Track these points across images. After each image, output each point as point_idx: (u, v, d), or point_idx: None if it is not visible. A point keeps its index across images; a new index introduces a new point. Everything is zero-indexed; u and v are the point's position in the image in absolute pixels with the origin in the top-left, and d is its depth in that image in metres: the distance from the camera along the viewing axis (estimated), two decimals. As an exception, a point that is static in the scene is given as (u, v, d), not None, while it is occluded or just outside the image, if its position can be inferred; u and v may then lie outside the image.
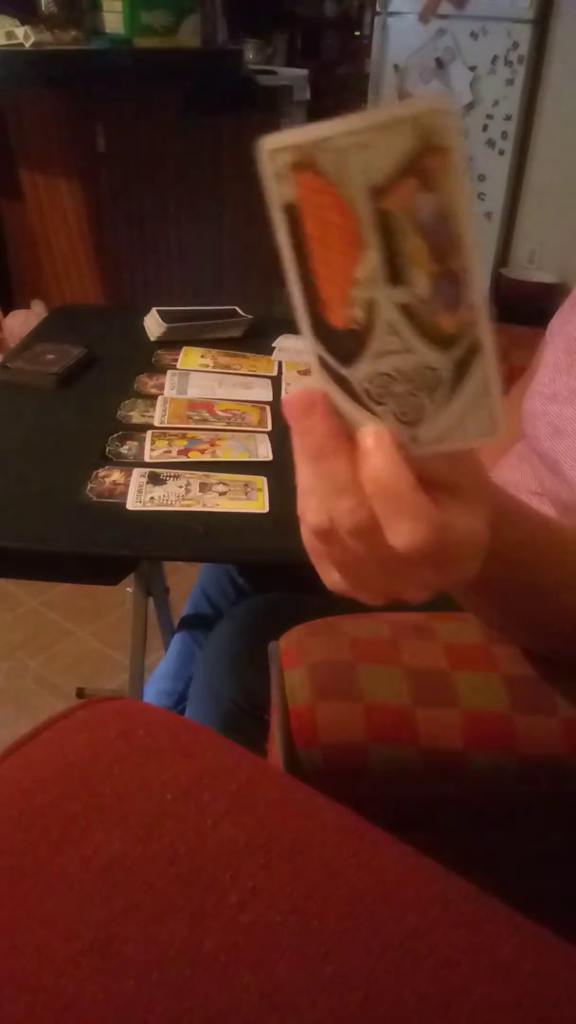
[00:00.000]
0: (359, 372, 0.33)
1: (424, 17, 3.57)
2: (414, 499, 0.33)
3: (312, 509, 0.36)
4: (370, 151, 0.27)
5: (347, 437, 0.34)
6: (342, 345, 0.33)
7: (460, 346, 0.31)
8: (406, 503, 0.33)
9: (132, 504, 0.80)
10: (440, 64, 3.61)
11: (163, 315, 1.21)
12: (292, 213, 0.30)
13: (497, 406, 0.32)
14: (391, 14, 3.67)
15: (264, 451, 0.91)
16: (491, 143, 3.62)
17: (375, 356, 0.32)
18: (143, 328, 1.23)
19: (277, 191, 0.30)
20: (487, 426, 0.33)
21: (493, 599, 0.52)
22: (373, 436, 0.34)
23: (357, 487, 0.34)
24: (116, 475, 0.85)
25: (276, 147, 0.29)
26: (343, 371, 0.33)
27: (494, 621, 0.58)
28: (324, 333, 0.33)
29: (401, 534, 0.33)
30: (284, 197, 0.30)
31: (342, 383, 0.34)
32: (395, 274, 0.30)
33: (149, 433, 0.94)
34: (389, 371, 0.33)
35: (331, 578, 0.39)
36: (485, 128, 3.61)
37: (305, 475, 0.37)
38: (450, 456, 0.35)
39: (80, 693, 1.55)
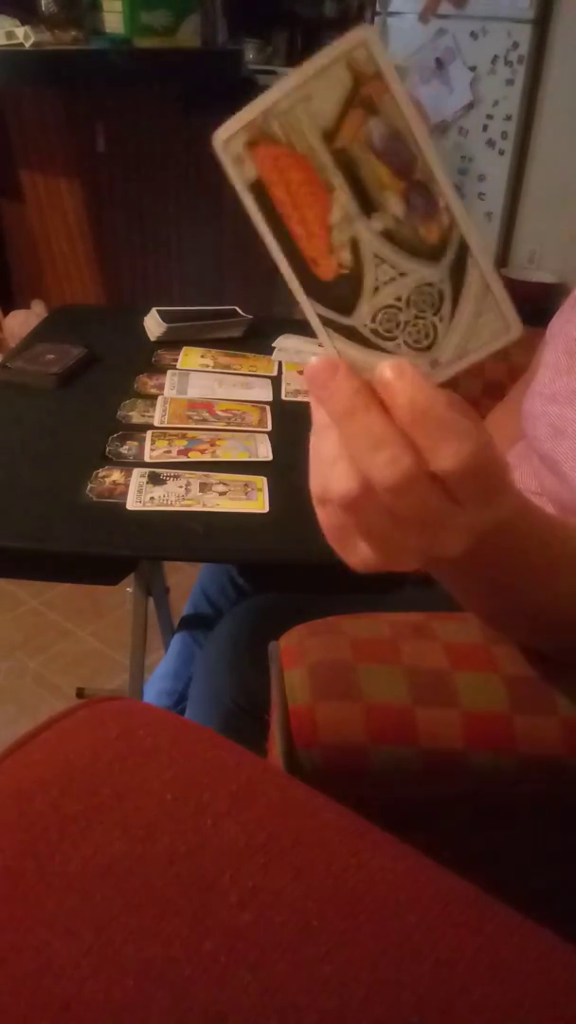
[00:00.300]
0: (362, 315, 0.33)
1: (424, 17, 3.57)
2: (454, 416, 0.33)
3: (340, 476, 0.35)
4: (312, 100, 0.29)
5: (373, 392, 0.34)
6: (338, 296, 0.33)
7: (449, 251, 0.32)
8: (448, 421, 0.33)
9: (132, 504, 0.80)
10: (440, 64, 3.61)
11: (163, 315, 1.21)
12: (258, 189, 0.31)
13: (505, 302, 0.32)
14: (391, 14, 3.67)
15: (264, 451, 0.91)
16: (491, 143, 3.62)
17: (372, 293, 0.33)
18: (143, 328, 1.23)
19: (240, 174, 0.31)
20: (501, 325, 0.33)
21: (494, 592, 0.52)
22: (391, 368, 0.33)
23: (394, 435, 0.33)
24: (116, 475, 0.85)
25: (229, 135, 0.30)
26: (346, 321, 0.33)
27: (496, 618, 0.58)
28: (318, 291, 0.33)
29: (449, 456, 0.33)
30: (248, 177, 0.31)
31: (349, 333, 0.34)
32: (368, 204, 0.31)
33: (149, 433, 0.94)
34: (391, 301, 0.33)
35: (360, 554, 0.38)
36: (485, 128, 3.61)
37: (329, 444, 0.36)
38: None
39: (80, 693, 1.55)
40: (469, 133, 3.68)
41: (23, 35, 2.13)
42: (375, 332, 0.34)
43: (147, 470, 0.86)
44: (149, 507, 0.80)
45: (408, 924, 0.37)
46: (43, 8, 2.24)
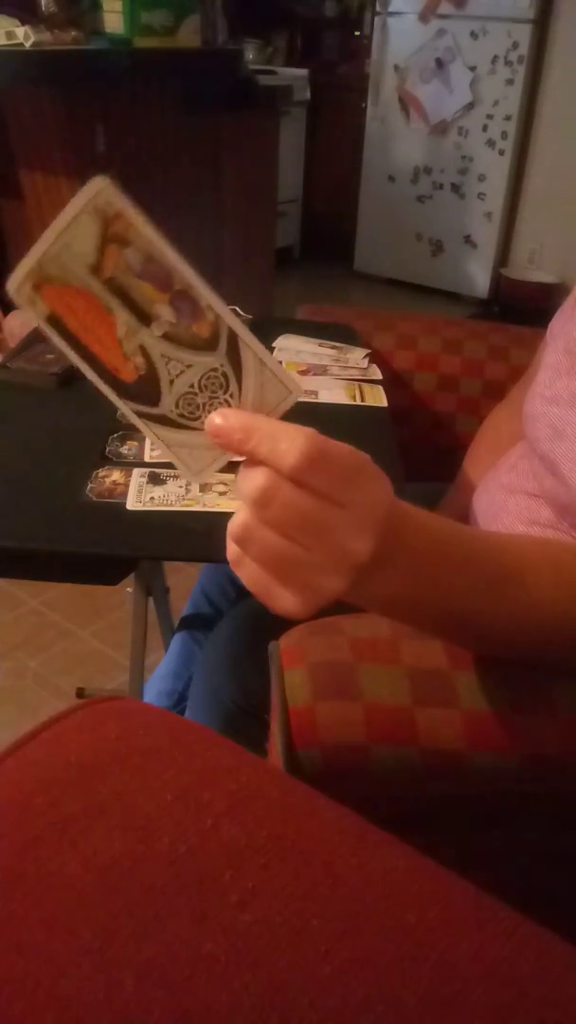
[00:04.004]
0: (167, 404, 0.40)
1: (424, 17, 3.57)
2: (276, 424, 0.38)
3: (232, 521, 0.40)
4: (74, 244, 0.35)
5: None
6: (143, 392, 0.39)
7: (222, 340, 0.38)
8: (274, 427, 0.38)
9: (132, 504, 0.80)
10: (440, 64, 3.62)
11: (163, 315, 1.21)
12: (54, 321, 0.37)
13: (280, 371, 0.39)
14: (391, 14, 3.68)
15: (264, 451, 0.91)
16: (491, 143, 3.63)
17: (169, 385, 0.39)
18: (143, 328, 1.23)
19: (36, 311, 0.37)
20: (282, 391, 0.40)
21: (427, 617, 0.51)
22: (217, 414, 0.39)
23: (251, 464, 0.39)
24: (116, 475, 0.85)
25: (17, 283, 0.37)
26: (156, 411, 0.40)
27: (462, 645, 0.57)
28: (127, 392, 0.39)
29: (286, 452, 0.37)
30: (43, 312, 0.37)
31: (161, 420, 0.40)
32: (144, 317, 0.37)
33: (149, 433, 0.94)
34: (187, 389, 0.39)
35: (280, 598, 0.41)
36: (485, 128, 3.62)
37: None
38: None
39: (80, 693, 1.55)
40: (469, 133, 3.68)
41: (23, 35, 2.13)
42: (182, 416, 0.40)
43: (147, 470, 0.86)
44: (149, 507, 0.80)
45: (408, 924, 0.37)
46: (43, 8, 2.24)
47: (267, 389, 0.39)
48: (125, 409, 0.40)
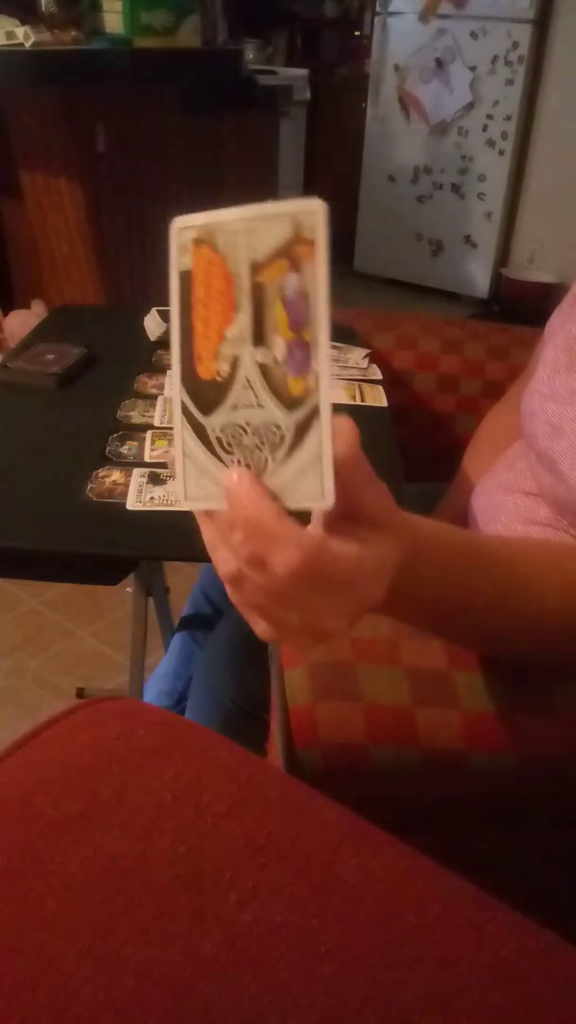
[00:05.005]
0: (215, 420, 0.37)
1: (424, 17, 3.56)
2: (280, 527, 0.35)
3: (220, 560, 0.40)
4: (255, 235, 0.34)
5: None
6: (205, 394, 0.37)
7: (303, 409, 0.35)
8: (273, 533, 0.35)
9: (132, 504, 0.80)
10: (440, 64, 3.62)
11: (163, 315, 1.21)
12: (186, 278, 0.36)
13: (327, 474, 0.35)
14: (391, 14, 3.67)
15: (264, 451, 0.91)
16: (491, 143, 3.63)
17: (231, 408, 0.37)
18: (143, 328, 1.23)
19: (178, 259, 0.36)
20: (317, 492, 0.36)
21: (434, 625, 0.52)
22: (236, 473, 0.36)
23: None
24: (116, 475, 0.85)
25: (184, 226, 0.35)
26: (201, 419, 0.38)
27: (473, 647, 0.57)
28: (191, 382, 0.37)
29: (277, 563, 0.35)
30: (183, 265, 0.36)
31: (198, 430, 0.38)
32: (259, 336, 0.35)
33: (149, 433, 0.94)
34: (241, 422, 0.37)
35: (259, 627, 0.42)
36: (485, 128, 3.62)
37: (207, 533, 0.41)
38: (351, 487, 0.37)
39: (80, 693, 1.55)
40: (469, 133, 3.68)
41: (23, 35, 2.13)
42: (219, 441, 0.38)
43: (147, 470, 0.86)
44: (149, 507, 0.80)
45: (408, 924, 0.37)
46: (43, 8, 2.24)
47: (305, 479, 0.36)
48: (176, 396, 0.38)
